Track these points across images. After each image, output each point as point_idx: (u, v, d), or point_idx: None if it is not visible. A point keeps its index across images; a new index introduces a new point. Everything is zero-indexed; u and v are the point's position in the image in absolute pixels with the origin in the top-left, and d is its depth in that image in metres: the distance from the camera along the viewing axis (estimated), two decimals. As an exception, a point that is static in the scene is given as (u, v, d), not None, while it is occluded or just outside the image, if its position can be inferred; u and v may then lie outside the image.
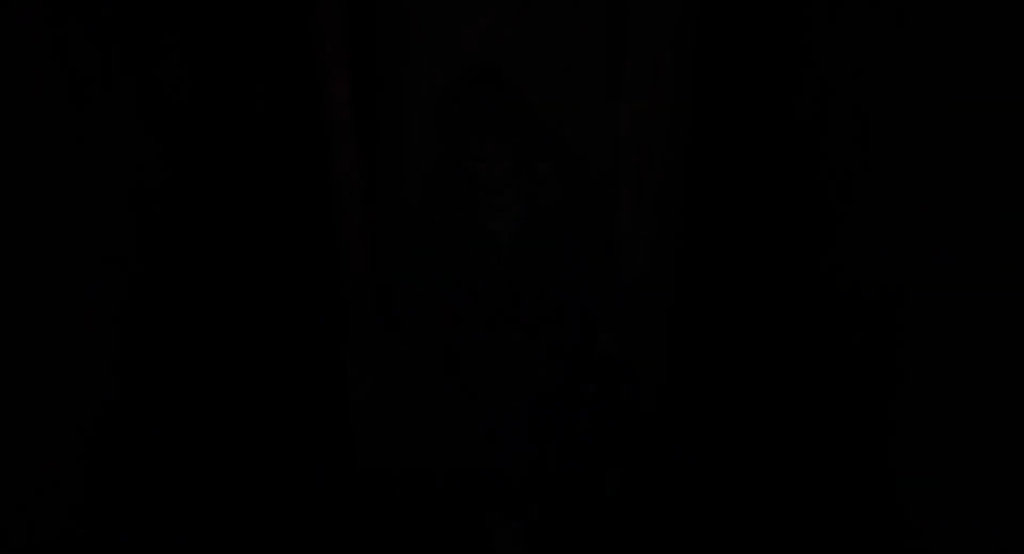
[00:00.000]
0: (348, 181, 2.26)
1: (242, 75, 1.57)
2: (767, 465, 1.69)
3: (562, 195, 1.70)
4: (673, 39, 2.09)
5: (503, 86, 1.60)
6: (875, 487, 1.23)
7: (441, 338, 1.88)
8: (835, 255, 1.33)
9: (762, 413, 1.74)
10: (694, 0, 2.00)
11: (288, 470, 1.88)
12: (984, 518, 0.91)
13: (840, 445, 1.34)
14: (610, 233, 1.97)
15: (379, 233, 2.49)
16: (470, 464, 2.26)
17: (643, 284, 2.21)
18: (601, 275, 1.84)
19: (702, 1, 1.98)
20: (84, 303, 1.02)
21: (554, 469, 2.03)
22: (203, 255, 1.38)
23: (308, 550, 2.00)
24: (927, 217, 1.04)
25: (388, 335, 2.22)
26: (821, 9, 1.35)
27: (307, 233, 2.03)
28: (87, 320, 1.02)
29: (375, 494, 2.31)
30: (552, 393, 1.92)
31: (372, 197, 2.49)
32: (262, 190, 1.71)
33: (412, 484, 2.34)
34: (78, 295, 0.98)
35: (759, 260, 1.70)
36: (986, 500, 0.91)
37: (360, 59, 2.32)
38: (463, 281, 1.77)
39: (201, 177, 1.37)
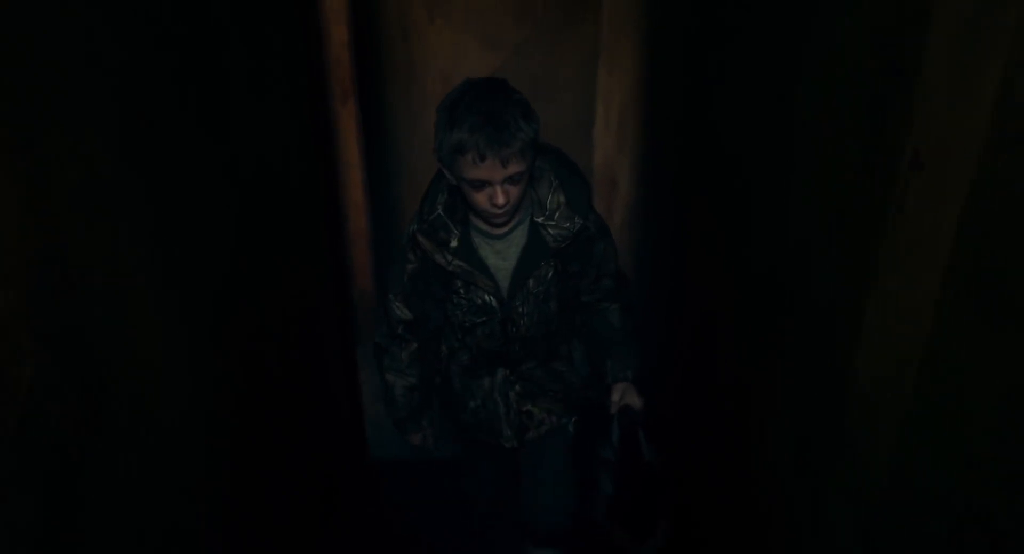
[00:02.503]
0: (357, 213, 2.68)
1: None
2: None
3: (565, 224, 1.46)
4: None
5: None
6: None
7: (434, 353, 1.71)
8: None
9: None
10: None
11: (307, 457, 2.13)
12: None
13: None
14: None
15: (382, 252, 2.86)
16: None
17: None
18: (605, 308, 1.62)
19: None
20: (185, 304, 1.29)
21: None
22: (249, 279, 1.68)
23: (322, 531, 2.25)
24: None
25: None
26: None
27: (324, 251, 2.33)
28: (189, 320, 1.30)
29: (384, 481, 2.52)
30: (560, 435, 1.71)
31: (376, 222, 2.88)
32: (295, 225, 2.03)
33: (418, 473, 2.51)
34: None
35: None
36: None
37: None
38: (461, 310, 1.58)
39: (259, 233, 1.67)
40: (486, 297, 1.52)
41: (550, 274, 1.51)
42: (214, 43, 1.37)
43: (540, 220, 1.46)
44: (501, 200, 1.34)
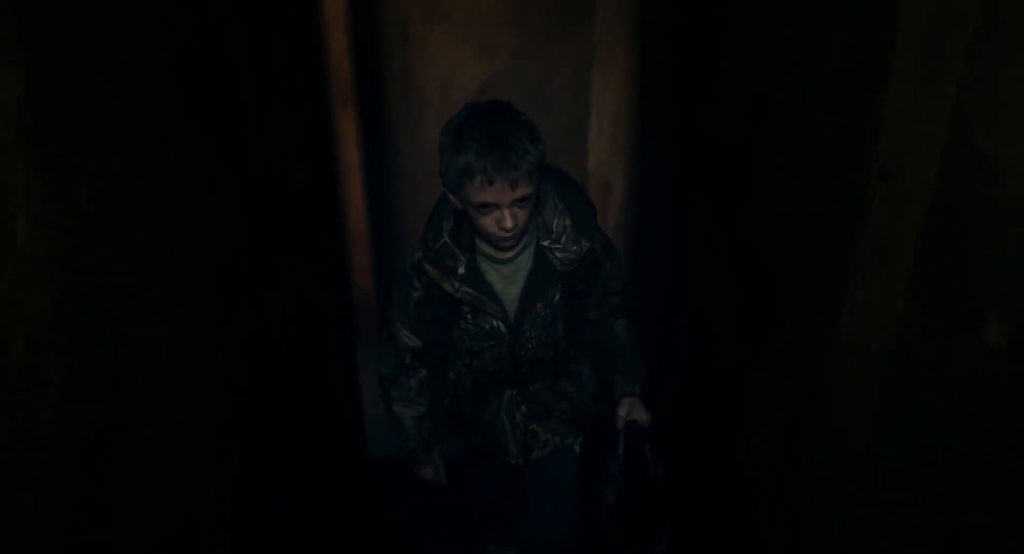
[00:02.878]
0: (357, 215, 2.73)
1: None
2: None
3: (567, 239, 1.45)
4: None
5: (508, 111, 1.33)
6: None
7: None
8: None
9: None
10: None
11: (308, 456, 2.16)
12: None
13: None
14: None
15: (382, 255, 2.91)
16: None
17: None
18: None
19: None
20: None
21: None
22: (250, 279, 1.71)
23: (322, 530, 2.27)
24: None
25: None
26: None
27: (324, 253, 2.36)
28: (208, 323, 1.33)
29: (384, 480, 2.54)
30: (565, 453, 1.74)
31: (376, 223, 2.93)
32: (296, 227, 2.07)
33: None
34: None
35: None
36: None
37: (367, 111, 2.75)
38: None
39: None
40: (494, 322, 1.52)
41: (557, 296, 1.50)
42: (217, 49, 1.41)
43: (546, 243, 1.45)
44: (509, 223, 1.32)
